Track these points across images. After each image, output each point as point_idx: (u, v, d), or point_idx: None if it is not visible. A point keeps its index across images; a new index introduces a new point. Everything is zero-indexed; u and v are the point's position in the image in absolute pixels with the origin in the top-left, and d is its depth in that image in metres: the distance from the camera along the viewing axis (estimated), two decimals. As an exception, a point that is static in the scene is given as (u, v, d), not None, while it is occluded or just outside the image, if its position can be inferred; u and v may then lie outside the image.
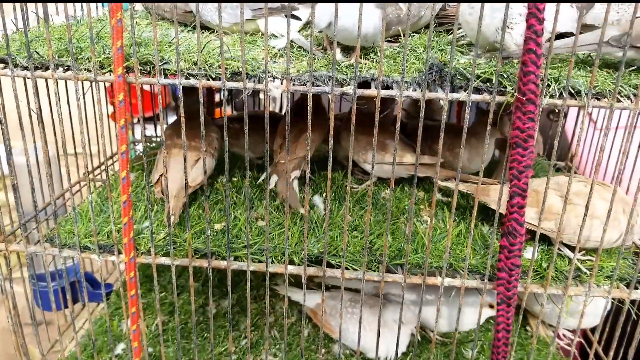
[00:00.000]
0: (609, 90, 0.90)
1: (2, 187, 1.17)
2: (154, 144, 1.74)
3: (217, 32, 1.15)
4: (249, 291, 1.07)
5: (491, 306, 1.32)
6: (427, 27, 1.18)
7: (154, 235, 1.11)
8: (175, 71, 0.93)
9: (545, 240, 1.15)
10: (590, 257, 1.11)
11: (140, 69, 0.94)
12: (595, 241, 1.05)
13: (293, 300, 1.49)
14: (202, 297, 1.61)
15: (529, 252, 1.10)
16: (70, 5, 1.17)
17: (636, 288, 1.05)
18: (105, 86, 1.56)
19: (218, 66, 0.94)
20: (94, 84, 0.97)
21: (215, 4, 1.10)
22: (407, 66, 0.98)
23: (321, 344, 1.17)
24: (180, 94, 0.96)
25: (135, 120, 2.01)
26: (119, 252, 1.10)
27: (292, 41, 1.07)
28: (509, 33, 0.93)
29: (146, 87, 2.16)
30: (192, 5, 1.14)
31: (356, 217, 1.23)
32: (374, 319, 1.33)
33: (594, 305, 1.30)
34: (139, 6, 1.37)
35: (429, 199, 1.34)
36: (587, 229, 1.03)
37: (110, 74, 0.95)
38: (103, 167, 1.50)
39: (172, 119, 2.69)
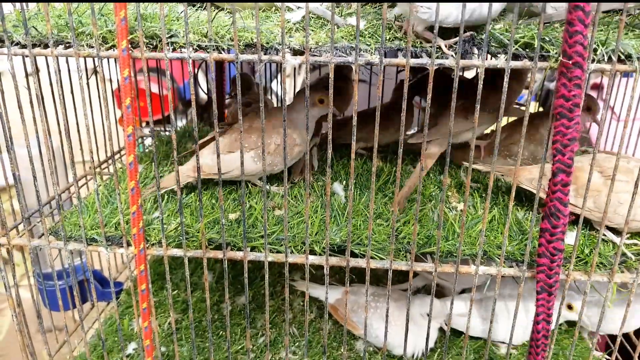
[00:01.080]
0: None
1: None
2: (162, 136, 1.68)
3: (225, 9, 1.07)
4: (267, 284, 1.00)
5: (569, 307, 1.24)
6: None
7: (165, 226, 1.04)
8: (184, 44, 0.85)
9: (585, 223, 1.07)
10: (636, 241, 1.02)
11: (146, 43, 0.87)
12: (623, 218, 0.97)
13: (311, 297, 1.41)
14: (217, 294, 1.53)
15: (569, 237, 1.02)
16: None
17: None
18: (112, 84, 1.50)
19: (230, 38, 0.87)
20: (97, 60, 0.89)
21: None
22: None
23: (345, 340, 1.09)
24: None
25: (143, 125, 1.96)
26: (128, 244, 1.02)
27: (310, 12, 1.00)
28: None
29: (154, 90, 2.11)
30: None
31: (380, 205, 1.15)
32: (399, 313, 1.26)
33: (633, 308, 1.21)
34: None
35: (457, 184, 1.26)
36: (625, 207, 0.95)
37: (114, 50, 0.87)
38: (110, 160, 1.42)
39: (180, 122, 2.65)
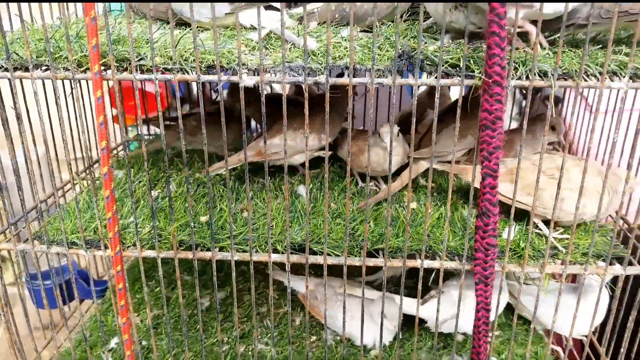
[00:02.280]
0: (575, 70, 0.92)
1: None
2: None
3: (197, 27, 1.16)
4: (234, 281, 1.10)
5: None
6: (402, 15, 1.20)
7: (140, 229, 1.14)
8: (151, 67, 0.95)
9: (527, 218, 1.18)
10: (567, 236, 1.13)
11: (117, 66, 0.96)
12: (572, 214, 1.07)
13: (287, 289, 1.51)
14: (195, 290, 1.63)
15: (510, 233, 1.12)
16: (56, 6, 1.20)
17: (612, 264, 1.07)
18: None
19: (194, 60, 0.96)
20: (74, 82, 0.98)
21: (193, 0, 1.11)
22: (381, 54, 1.00)
23: (307, 329, 1.19)
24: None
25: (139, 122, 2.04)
26: (106, 247, 1.12)
27: (271, 32, 1.09)
28: (462, 12, 0.95)
29: (150, 89, 2.19)
30: (173, 4, 1.16)
31: (340, 205, 1.26)
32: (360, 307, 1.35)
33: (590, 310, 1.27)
34: (121, 6, 1.39)
35: (414, 185, 1.36)
36: (569, 203, 1.06)
37: (88, 72, 0.97)
38: (95, 166, 1.52)
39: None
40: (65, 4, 0.97)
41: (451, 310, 1.24)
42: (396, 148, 1.27)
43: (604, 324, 1.21)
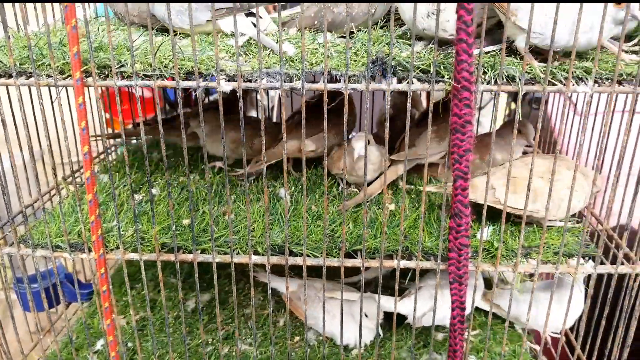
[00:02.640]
0: (541, 75, 0.95)
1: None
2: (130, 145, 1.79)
3: (179, 33, 1.19)
4: (216, 283, 1.12)
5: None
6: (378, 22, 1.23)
7: (123, 232, 1.16)
8: (132, 74, 0.97)
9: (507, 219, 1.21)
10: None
11: (99, 73, 0.99)
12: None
13: (275, 290, 1.54)
14: (183, 292, 1.65)
15: (486, 233, 1.16)
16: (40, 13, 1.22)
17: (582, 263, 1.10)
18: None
19: (173, 67, 0.99)
20: (56, 89, 1.01)
21: (177, 7, 1.14)
22: (356, 60, 1.03)
23: (288, 329, 1.22)
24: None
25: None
26: (90, 250, 1.14)
27: (251, 38, 1.12)
28: (435, 19, 0.98)
29: (147, 95, 2.22)
30: (154, 10, 1.19)
31: (320, 208, 1.28)
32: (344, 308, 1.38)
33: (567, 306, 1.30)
34: (110, 12, 1.41)
35: (393, 187, 1.39)
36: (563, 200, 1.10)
37: (70, 79, 0.99)
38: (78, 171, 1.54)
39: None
40: (48, 11, 0.99)
41: (430, 303, 1.27)
42: (370, 156, 1.25)
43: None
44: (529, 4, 0.90)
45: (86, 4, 0.95)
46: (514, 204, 1.13)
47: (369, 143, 1.25)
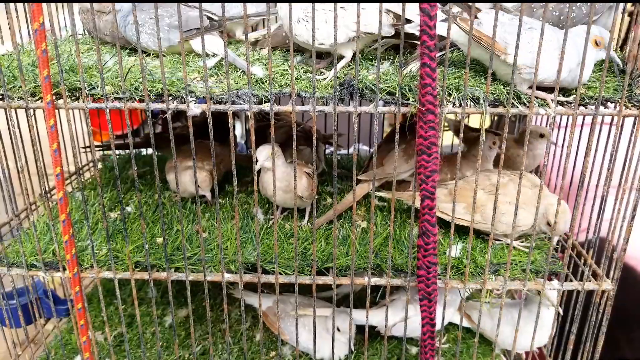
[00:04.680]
0: (505, 97, 0.97)
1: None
2: (106, 163, 1.80)
3: (152, 53, 1.20)
4: (190, 301, 1.13)
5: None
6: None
7: (97, 251, 1.17)
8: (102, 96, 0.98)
9: (478, 236, 1.23)
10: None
11: (70, 95, 1.00)
12: (506, 225, 1.14)
13: (247, 306, 1.54)
14: (161, 308, 1.66)
15: (454, 250, 1.18)
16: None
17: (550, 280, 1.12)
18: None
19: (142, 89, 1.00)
20: (27, 111, 1.02)
21: (148, 29, 1.15)
22: (325, 82, 1.05)
23: (262, 345, 1.23)
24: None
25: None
26: (64, 269, 1.15)
27: (222, 59, 1.13)
28: (304, 26, 1.01)
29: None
30: (124, 31, 1.20)
31: (292, 226, 1.30)
32: (318, 323, 1.39)
33: (540, 324, 1.26)
34: (80, 31, 1.42)
35: (366, 204, 1.41)
36: (509, 215, 1.12)
37: (41, 101, 1.00)
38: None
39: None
40: (18, 33, 1.00)
41: (402, 314, 1.29)
42: (276, 170, 1.08)
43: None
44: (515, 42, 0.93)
45: (56, 24, 0.96)
46: (460, 215, 1.18)
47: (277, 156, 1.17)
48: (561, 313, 1.23)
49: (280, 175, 1.17)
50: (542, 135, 1.41)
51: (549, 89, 1.00)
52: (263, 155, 1.17)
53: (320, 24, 1.02)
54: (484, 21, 0.98)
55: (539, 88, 0.98)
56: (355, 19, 0.99)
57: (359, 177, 1.30)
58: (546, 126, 1.63)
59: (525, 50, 0.96)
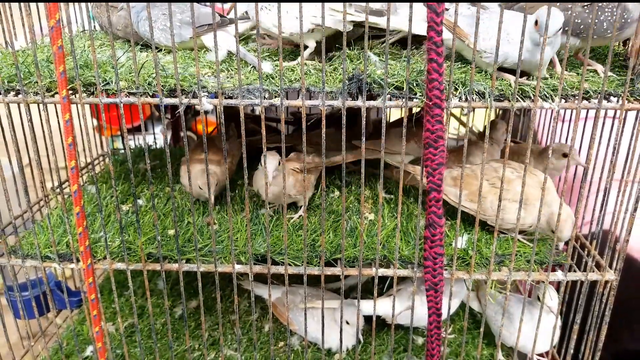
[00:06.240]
0: (510, 91, 0.99)
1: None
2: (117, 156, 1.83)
3: (162, 50, 1.22)
4: (201, 292, 1.16)
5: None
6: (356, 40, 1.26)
7: (110, 243, 1.19)
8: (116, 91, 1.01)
9: (483, 228, 1.25)
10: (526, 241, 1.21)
11: (84, 90, 1.02)
12: (510, 223, 1.16)
13: (256, 296, 1.57)
14: (171, 299, 1.69)
15: (461, 242, 1.20)
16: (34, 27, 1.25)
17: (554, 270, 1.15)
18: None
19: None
20: (43, 106, 1.04)
21: (160, 25, 1.17)
22: (334, 77, 1.07)
23: (271, 335, 1.25)
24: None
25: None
26: (78, 260, 1.17)
27: (232, 54, 1.15)
28: (267, 15, 1.07)
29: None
30: (137, 28, 1.22)
31: (301, 218, 1.32)
32: (326, 313, 1.42)
33: (542, 329, 1.26)
34: (97, 26, 1.45)
35: (373, 196, 1.43)
36: (509, 212, 1.14)
37: (57, 96, 1.03)
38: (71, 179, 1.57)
39: (157, 127, 2.88)
40: (35, 25, 1.02)
41: (408, 303, 1.31)
42: (278, 177, 1.19)
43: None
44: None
45: (72, 21, 0.99)
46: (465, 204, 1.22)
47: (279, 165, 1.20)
48: (560, 324, 1.25)
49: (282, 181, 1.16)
50: (564, 155, 1.36)
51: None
52: (272, 166, 1.17)
53: (282, 13, 1.03)
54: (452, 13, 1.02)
55: (507, 70, 1.04)
56: (314, 11, 1.07)
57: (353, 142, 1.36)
58: (549, 121, 1.65)
59: (481, 38, 1.02)
